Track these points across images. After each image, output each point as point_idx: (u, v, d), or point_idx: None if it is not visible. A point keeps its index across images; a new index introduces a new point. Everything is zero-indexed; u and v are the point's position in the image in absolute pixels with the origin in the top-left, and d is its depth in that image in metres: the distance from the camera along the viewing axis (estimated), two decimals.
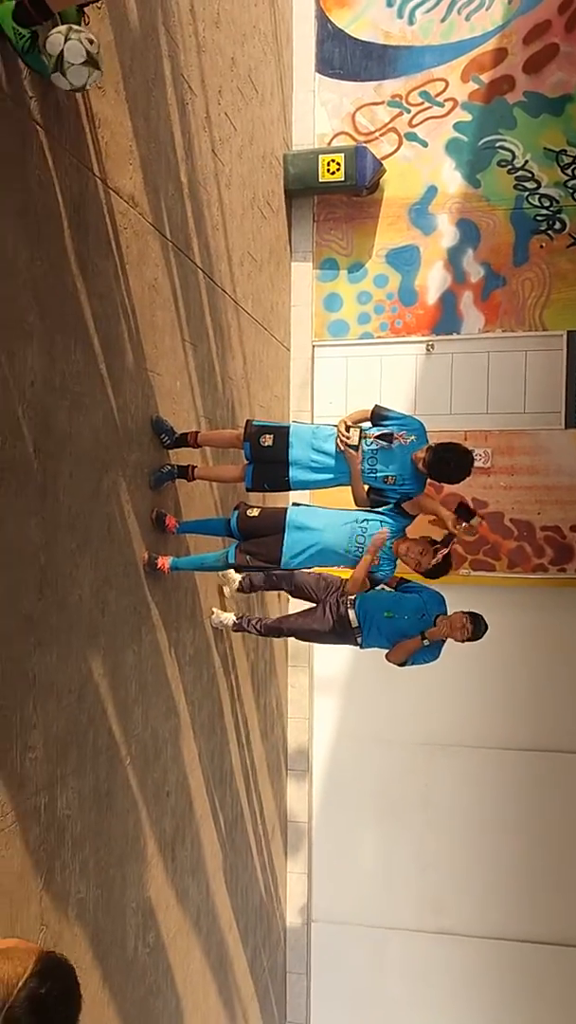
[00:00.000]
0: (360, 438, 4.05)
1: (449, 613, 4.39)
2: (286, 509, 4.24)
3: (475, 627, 4.26)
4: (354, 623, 4.53)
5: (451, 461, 4.04)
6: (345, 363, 7.25)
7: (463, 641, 4.28)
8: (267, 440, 4.21)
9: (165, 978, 4.47)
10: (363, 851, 7.46)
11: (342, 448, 4.06)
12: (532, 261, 6.90)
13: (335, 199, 7.23)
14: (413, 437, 4.13)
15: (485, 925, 7.23)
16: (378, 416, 4.21)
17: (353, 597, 4.52)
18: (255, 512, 4.25)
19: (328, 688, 7.41)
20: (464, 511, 4.20)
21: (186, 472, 4.31)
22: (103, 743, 3.59)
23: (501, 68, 6.89)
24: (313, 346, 7.26)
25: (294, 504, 4.35)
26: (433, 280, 7.07)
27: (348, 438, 4.03)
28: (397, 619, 4.42)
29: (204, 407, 4.91)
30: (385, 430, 4.14)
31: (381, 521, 4.18)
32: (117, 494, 3.69)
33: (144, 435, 3.98)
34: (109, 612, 3.64)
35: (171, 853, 4.47)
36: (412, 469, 4.10)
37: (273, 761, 6.94)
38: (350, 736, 7.39)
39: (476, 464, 6.86)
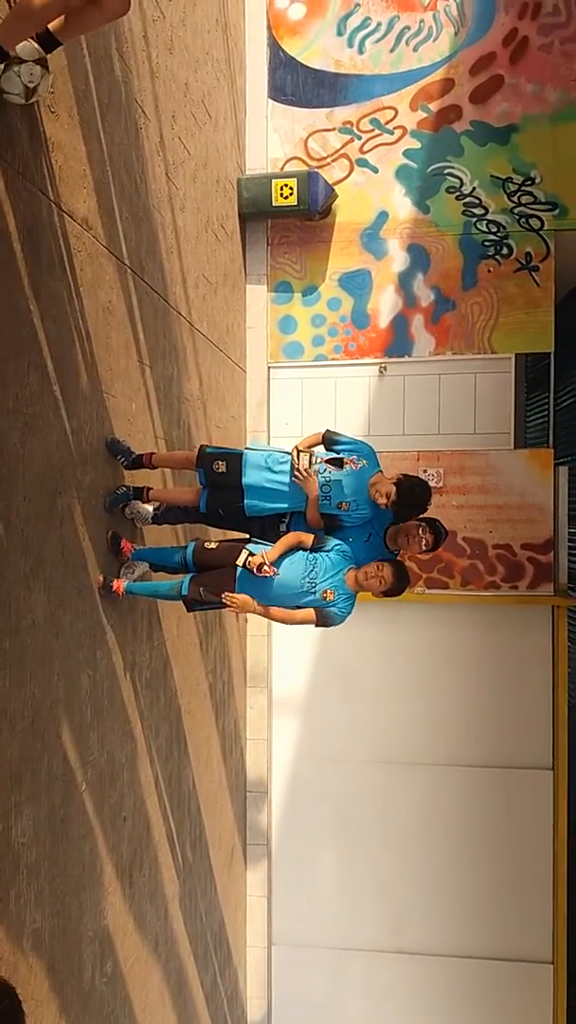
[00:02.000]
0: (311, 462, 4.05)
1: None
2: (240, 548, 4.11)
3: (436, 536, 4.03)
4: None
5: (415, 490, 3.98)
6: (300, 384, 7.33)
7: (425, 553, 4.09)
8: (220, 467, 4.21)
9: (123, 1008, 4.40)
10: (323, 872, 7.44)
11: (299, 479, 4.02)
12: (481, 285, 7.06)
13: (288, 223, 7.32)
14: (364, 462, 4.14)
15: (444, 943, 7.25)
16: (329, 441, 4.22)
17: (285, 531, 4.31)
18: (212, 545, 4.18)
19: (287, 708, 7.41)
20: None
21: (141, 494, 4.29)
22: (58, 769, 3.54)
23: (448, 98, 7.07)
24: (269, 367, 7.33)
25: (247, 543, 4.19)
26: (385, 304, 7.19)
27: (298, 463, 4.01)
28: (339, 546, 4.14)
29: (160, 428, 4.91)
30: (336, 455, 4.15)
31: (331, 558, 4.01)
32: (71, 517, 3.67)
33: (99, 457, 3.97)
34: (63, 636, 3.61)
35: (128, 879, 4.41)
36: (366, 494, 4.08)
37: (232, 783, 6.90)
38: (309, 756, 7.38)
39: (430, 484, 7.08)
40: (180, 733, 5.37)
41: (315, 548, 4.07)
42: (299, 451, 4.07)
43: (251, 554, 3.95)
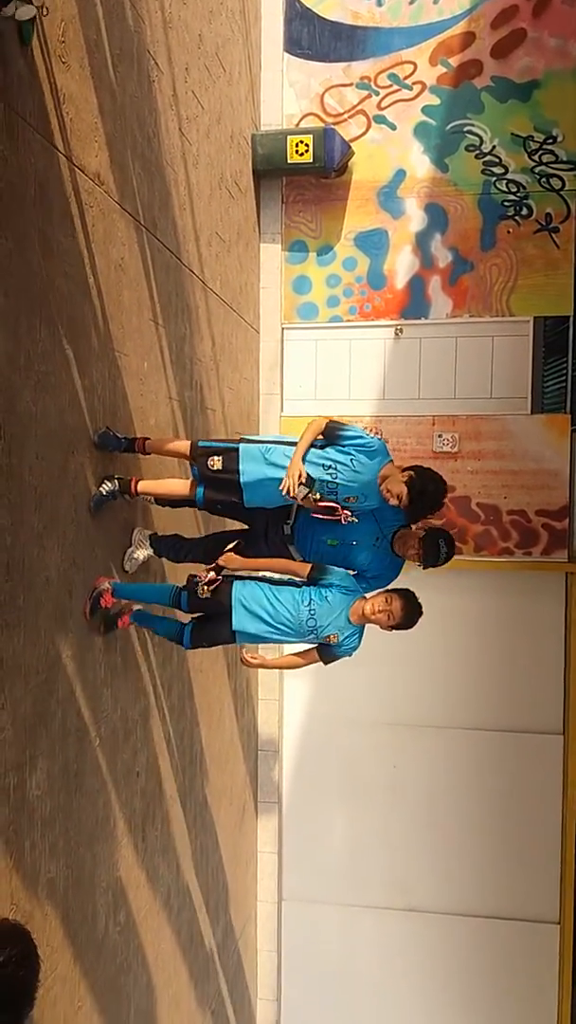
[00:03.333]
0: (308, 493, 3.69)
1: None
2: (232, 585, 3.83)
3: (425, 553, 3.74)
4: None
5: (427, 488, 3.71)
6: (315, 346, 7.26)
7: (423, 566, 3.78)
8: (215, 463, 3.88)
9: (136, 956, 4.51)
10: (333, 831, 7.54)
11: (299, 500, 3.71)
12: (499, 247, 6.94)
13: (304, 181, 7.21)
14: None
15: (452, 902, 7.36)
16: (333, 432, 3.86)
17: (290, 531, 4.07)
18: (206, 593, 3.81)
19: (298, 670, 7.46)
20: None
21: (128, 487, 3.92)
22: (72, 724, 3.59)
23: (469, 52, 6.90)
24: (283, 328, 7.26)
25: (235, 578, 3.88)
26: (401, 264, 7.09)
27: (295, 492, 3.68)
28: (344, 547, 3.95)
29: (173, 389, 4.89)
30: (330, 502, 3.77)
31: (330, 600, 3.72)
32: (84, 476, 3.67)
33: (111, 416, 3.96)
34: (77, 594, 3.63)
35: (141, 833, 4.49)
36: (375, 486, 3.79)
37: (244, 742, 6.98)
38: (320, 718, 7.45)
39: (444, 449, 7.03)
40: (192, 691, 5.42)
41: (312, 579, 3.76)
42: (301, 482, 3.68)
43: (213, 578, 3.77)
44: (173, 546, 4.27)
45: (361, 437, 3.85)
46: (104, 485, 3.79)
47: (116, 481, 3.85)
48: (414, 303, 7.05)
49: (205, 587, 3.78)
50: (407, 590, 3.68)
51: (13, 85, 3.02)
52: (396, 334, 7.08)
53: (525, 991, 7.23)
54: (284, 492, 3.69)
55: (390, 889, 7.44)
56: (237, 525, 4.40)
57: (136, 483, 3.95)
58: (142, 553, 4.19)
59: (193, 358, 5.31)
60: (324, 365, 7.25)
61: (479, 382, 6.97)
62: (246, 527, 4.25)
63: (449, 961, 7.38)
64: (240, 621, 3.77)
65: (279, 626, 3.74)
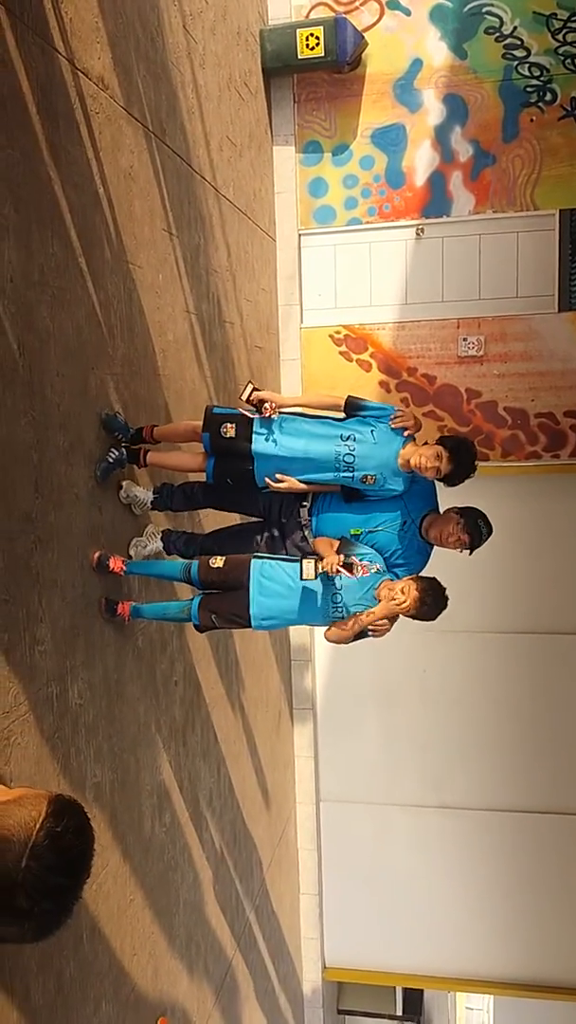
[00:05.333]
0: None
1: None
2: (249, 562, 3.63)
3: (472, 537, 3.50)
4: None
5: (463, 447, 3.50)
6: (333, 251, 7.06)
7: (469, 551, 3.56)
8: (228, 430, 3.68)
9: (183, 855, 4.74)
10: (366, 734, 7.76)
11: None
12: (522, 136, 6.63)
13: (316, 77, 6.88)
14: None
15: (484, 798, 7.59)
16: (352, 407, 3.69)
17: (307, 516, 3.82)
18: (218, 563, 3.64)
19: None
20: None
21: (137, 457, 3.79)
22: (110, 636, 3.69)
23: None
24: (299, 235, 7.06)
25: (255, 557, 3.66)
26: (421, 160, 6.81)
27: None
28: (369, 536, 3.69)
29: (190, 302, 4.82)
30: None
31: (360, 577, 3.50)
32: (106, 393, 3.67)
33: (129, 332, 3.92)
34: (107, 511, 3.68)
35: (182, 738, 4.65)
36: (394, 465, 3.57)
37: (278, 652, 7.14)
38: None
39: (470, 353, 6.89)
40: None
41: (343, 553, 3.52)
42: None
43: (318, 561, 3.40)
44: (184, 541, 4.00)
45: (382, 408, 3.69)
46: (111, 452, 3.64)
47: (123, 449, 3.71)
48: (435, 200, 6.80)
49: (218, 558, 3.65)
50: (432, 578, 3.50)
51: None
52: (417, 234, 6.86)
53: (558, 881, 7.50)
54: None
55: (424, 787, 7.69)
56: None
57: (145, 454, 3.80)
58: (152, 547, 3.96)
59: (209, 269, 5.20)
60: (344, 271, 7.07)
61: (504, 281, 6.77)
62: (260, 519, 3.98)
63: (483, 855, 7.66)
64: (258, 600, 3.55)
65: (302, 604, 3.54)
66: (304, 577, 3.39)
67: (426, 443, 3.58)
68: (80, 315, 3.39)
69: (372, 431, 3.61)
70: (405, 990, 9.39)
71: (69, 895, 1.29)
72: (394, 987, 9.21)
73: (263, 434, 3.65)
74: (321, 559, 3.40)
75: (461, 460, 3.48)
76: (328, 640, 3.66)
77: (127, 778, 3.89)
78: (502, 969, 7.67)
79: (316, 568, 3.38)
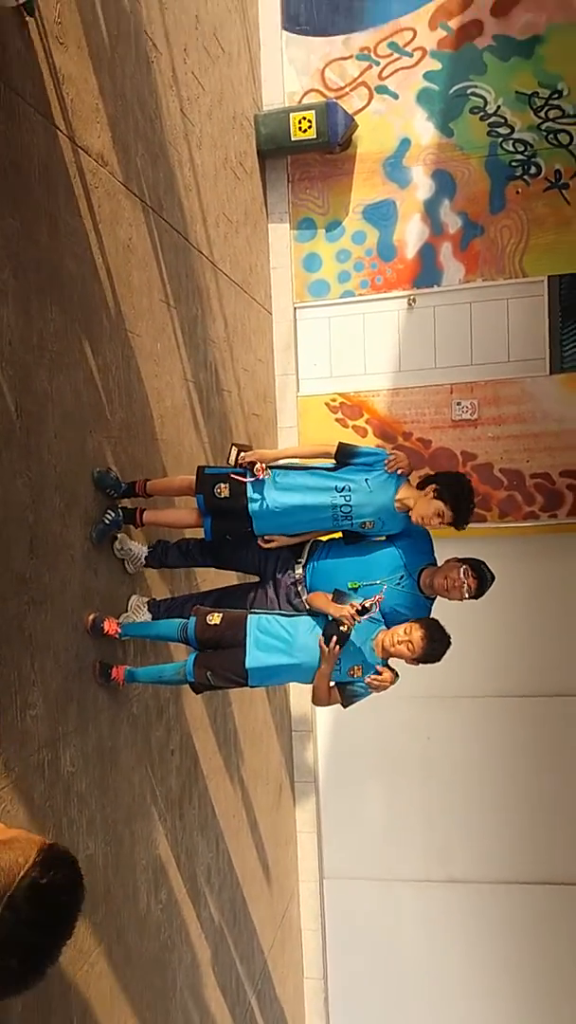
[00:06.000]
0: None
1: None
2: (246, 618, 3.57)
3: (480, 581, 3.42)
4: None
5: (459, 485, 3.47)
6: (328, 323, 7.22)
7: (475, 596, 3.46)
8: (222, 491, 3.63)
9: (180, 934, 4.55)
10: (370, 807, 7.55)
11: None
12: (509, 207, 6.85)
13: (308, 158, 7.15)
14: (374, 523, 3.56)
15: (492, 870, 7.34)
16: (344, 454, 3.64)
17: (301, 572, 3.72)
18: (216, 619, 3.56)
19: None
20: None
21: (133, 517, 3.76)
22: (104, 702, 3.62)
23: (469, 13, 6.79)
24: (295, 308, 7.23)
25: (251, 613, 3.62)
26: (411, 233, 7.02)
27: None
28: (366, 589, 3.54)
29: (188, 370, 4.90)
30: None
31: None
32: (103, 456, 3.69)
33: (127, 398, 3.97)
34: (102, 574, 3.66)
35: (179, 811, 4.52)
36: (391, 508, 3.56)
37: (278, 722, 7.00)
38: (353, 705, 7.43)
39: (463, 416, 6.97)
40: None
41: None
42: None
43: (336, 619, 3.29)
44: (173, 606, 3.92)
45: (375, 453, 3.66)
46: (107, 514, 3.63)
47: (120, 511, 3.70)
48: (426, 272, 6.98)
49: (215, 614, 3.57)
50: (432, 619, 3.43)
51: (12, 64, 3.03)
52: (409, 304, 7.03)
53: (570, 954, 7.20)
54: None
55: (430, 861, 7.44)
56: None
57: (142, 514, 3.78)
58: (140, 619, 3.86)
59: (206, 339, 5.30)
60: (338, 342, 7.21)
61: (495, 346, 6.89)
62: (256, 578, 3.90)
63: (493, 929, 7.36)
64: (255, 655, 3.45)
65: (298, 655, 3.43)
66: (346, 632, 3.28)
67: (420, 484, 3.55)
68: (78, 379, 3.44)
69: (366, 479, 3.58)
70: None
71: (41, 956, 1.18)
72: None
73: (257, 497, 3.61)
74: (341, 623, 3.28)
75: (460, 506, 3.43)
76: (316, 702, 3.57)
77: (121, 851, 3.77)
78: None
79: (348, 624, 3.26)
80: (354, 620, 3.26)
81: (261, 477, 3.60)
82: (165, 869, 4.33)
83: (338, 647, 3.29)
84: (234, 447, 3.68)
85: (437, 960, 7.46)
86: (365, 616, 3.29)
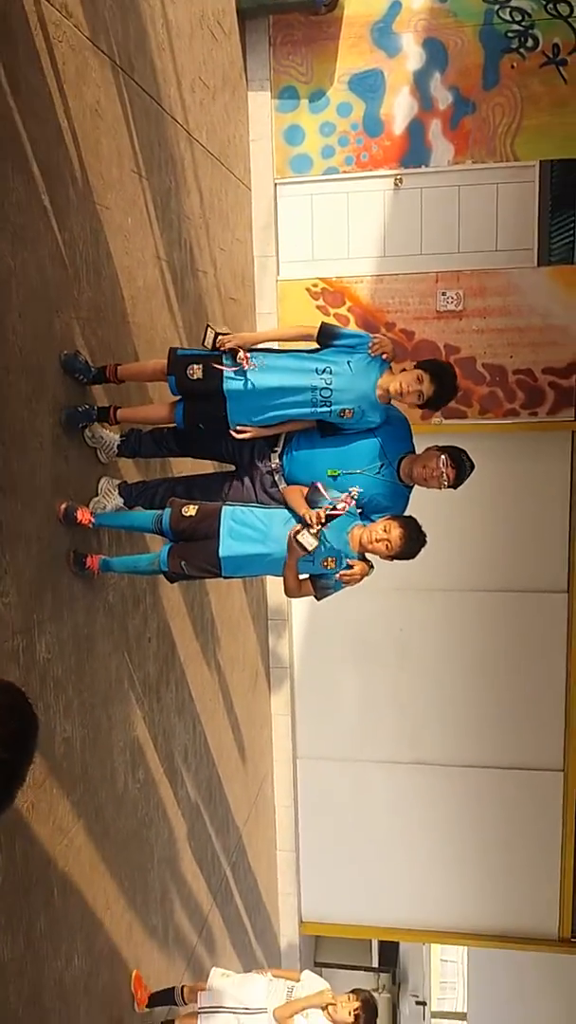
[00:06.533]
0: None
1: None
2: (221, 510, 3.50)
3: (458, 471, 3.40)
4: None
5: (445, 370, 3.42)
6: (310, 201, 6.89)
7: (454, 486, 3.45)
8: (195, 372, 3.51)
9: (157, 811, 4.70)
10: (343, 692, 7.77)
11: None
12: (503, 84, 6.46)
13: (292, 19, 6.65)
14: (353, 411, 3.45)
15: (459, 754, 7.64)
16: (326, 335, 3.54)
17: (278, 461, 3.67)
18: (191, 512, 3.49)
19: None
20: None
21: (107, 414, 3.64)
22: (79, 591, 3.60)
23: None
24: (275, 184, 6.87)
25: (227, 504, 3.54)
26: (399, 108, 6.63)
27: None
28: (345, 478, 3.52)
29: (161, 248, 4.66)
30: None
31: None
32: (71, 338, 3.53)
33: (96, 273, 3.78)
34: (73, 461, 3.56)
35: (156, 695, 4.59)
36: (372, 397, 3.46)
37: (254, 612, 7.09)
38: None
39: (448, 307, 6.78)
40: None
41: (311, 502, 3.41)
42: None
43: (300, 528, 3.25)
44: (146, 491, 3.82)
45: (358, 336, 3.56)
46: (82, 404, 3.53)
47: (95, 409, 3.58)
48: (413, 150, 6.63)
49: (191, 506, 3.51)
50: (409, 517, 3.40)
51: None
52: (396, 184, 6.69)
53: (531, 834, 7.61)
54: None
55: (399, 744, 7.73)
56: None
57: (115, 411, 3.65)
58: (112, 504, 3.74)
59: (180, 215, 5.04)
60: (320, 222, 6.90)
61: (483, 234, 6.64)
62: (233, 467, 3.81)
63: (457, 810, 7.73)
64: (229, 544, 3.42)
65: (271, 546, 3.41)
66: (308, 550, 3.25)
67: (404, 369, 3.46)
68: (43, 254, 3.25)
69: (349, 362, 3.47)
70: (381, 943, 9.55)
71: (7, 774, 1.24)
72: (370, 940, 9.37)
73: (234, 375, 3.48)
74: (308, 526, 3.25)
75: (444, 382, 3.38)
76: (288, 593, 3.57)
77: (98, 734, 3.83)
78: (476, 921, 7.80)
79: (312, 536, 3.22)
80: (320, 527, 3.23)
81: (247, 368, 3.47)
82: (143, 750, 4.43)
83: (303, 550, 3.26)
84: (209, 328, 3.53)
85: (402, 835, 7.85)
86: (329, 524, 3.26)
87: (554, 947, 7.67)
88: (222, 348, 3.50)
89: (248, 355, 3.50)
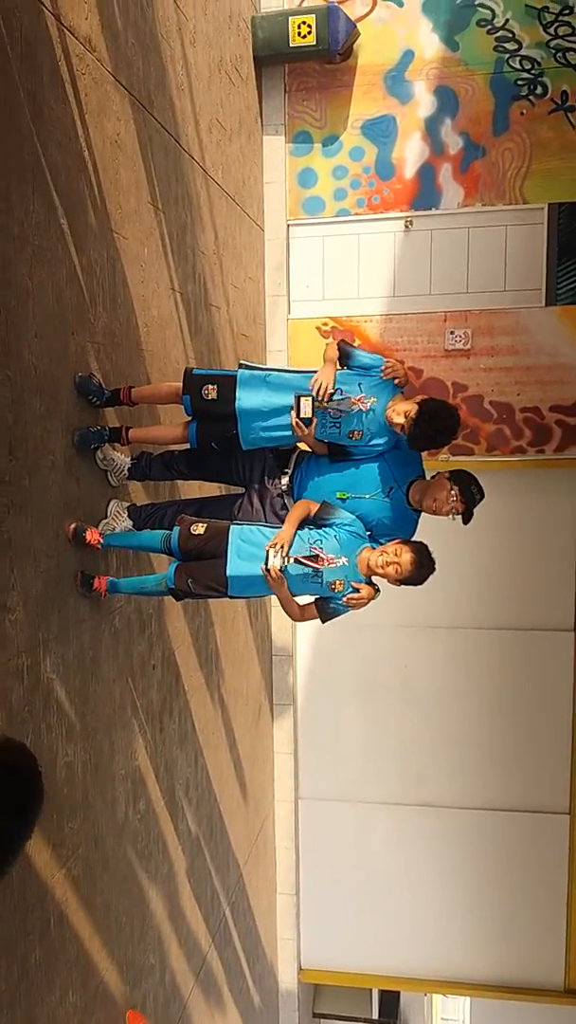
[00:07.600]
0: (314, 409, 3.41)
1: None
2: (229, 528, 3.52)
3: (468, 506, 3.38)
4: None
5: (439, 413, 3.34)
6: (322, 242, 7.01)
7: (464, 519, 3.42)
8: (209, 392, 3.53)
9: (157, 844, 4.61)
10: (347, 730, 7.67)
11: (294, 423, 3.42)
12: (512, 129, 6.62)
13: (307, 67, 6.85)
14: (373, 399, 3.48)
15: (465, 796, 7.51)
16: (342, 354, 3.58)
17: (288, 483, 3.67)
18: (199, 530, 3.49)
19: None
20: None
21: (119, 435, 3.65)
22: (85, 612, 3.58)
23: None
24: (288, 225, 7.00)
25: (235, 524, 3.56)
26: (411, 152, 6.78)
27: (304, 411, 3.38)
28: (354, 501, 3.53)
29: (175, 279, 4.73)
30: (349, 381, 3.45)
31: (339, 539, 3.39)
32: (85, 361, 3.57)
33: (112, 300, 3.83)
34: (84, 483, 3.57)
35: (159, 724, 4.54)
36: (383, 420, 3.47)
37: (259, 645, 7.04)
38: (331, 622, 7.46)
39: (456, 346, 6.85)
40: None
41: (319, 520, 3.42)
42: (320, 394, 3.39)
43: (267, 560, 3.29)
44: (155, 513, 3.81)
45: (372, 358, 3.58)
46: (94, 426, 3.55)
47: (107, 429, 3.61)
48: (424, 193, 6.77)
49: (200, 524, 3.51)
50: (419, 542, 3.36)
51: None
52: (406, 226, 6.82)
53: (536, 880, 7.43)
54: (314, 391, 3.40)
55: (404, 785, 7.60)
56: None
57: (127, 432, 3.67)
58: (120, 525, 3.74)
59: (195, 249, 5.12)
60: (332, 263, 7.01)
61: (492, 275, 6.73)
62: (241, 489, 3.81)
63: (461, 855, 7.57)
64: (236, 563, 3.40)
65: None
66: (269, 567, 3.27)
67: (415, 399, 3.47)
68: (61, 277, 3.30)
69: (360, 383, 3.50)
70: (382, 992, 9.28)
71: (10, 839, 1.21)
72: (370, 989, 9.10)
73: (245, 396, 3.51)
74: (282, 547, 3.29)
75: (426, 425, 3.30)
76: (291, 617, 3.57)
77: (100, 760, 3.78)
78: (480, 971, 7.58)
79: (279, 558, 3.25)
80: (283, 562, 3.26)
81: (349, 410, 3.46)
82: (144, 780, 4.36)
83: (277, 575, 3.29)
84: (302, 400, 3.47)
85: (405, 880, 7.68)
86: (306, 563, 3.33)
87: (559, 999, 7.44)
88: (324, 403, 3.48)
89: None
